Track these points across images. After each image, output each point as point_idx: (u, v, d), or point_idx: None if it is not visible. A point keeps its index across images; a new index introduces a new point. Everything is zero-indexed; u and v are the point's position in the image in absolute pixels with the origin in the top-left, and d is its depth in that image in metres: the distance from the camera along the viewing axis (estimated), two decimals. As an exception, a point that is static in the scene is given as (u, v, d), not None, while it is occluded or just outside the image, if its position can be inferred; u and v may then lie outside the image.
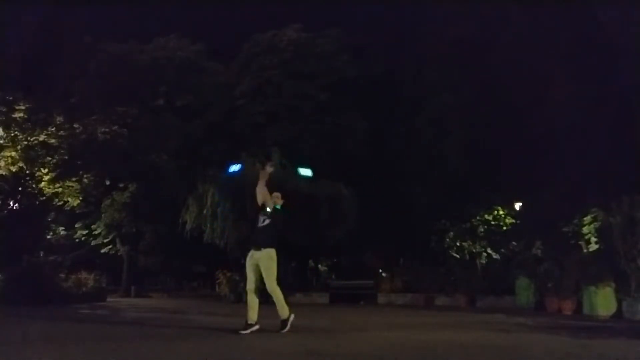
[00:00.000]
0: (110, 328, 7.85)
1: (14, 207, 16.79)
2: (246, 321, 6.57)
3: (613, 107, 16.89)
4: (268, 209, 6.80)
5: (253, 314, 6.61)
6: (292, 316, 6.69)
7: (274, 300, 6.67)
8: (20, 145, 15.95)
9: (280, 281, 6.70)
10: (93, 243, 23.90)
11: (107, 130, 18.32)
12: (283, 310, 6.65)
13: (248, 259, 6.79)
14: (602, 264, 11.21)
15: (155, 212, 22.23)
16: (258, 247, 6.68)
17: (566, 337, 6.78)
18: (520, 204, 18.49)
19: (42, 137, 16.23)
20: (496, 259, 17.44)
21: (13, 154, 15.84)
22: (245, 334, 6.39)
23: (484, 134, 19.30)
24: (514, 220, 17.56)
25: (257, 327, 6.54)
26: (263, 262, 6.63)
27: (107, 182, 21.08)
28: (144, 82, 22.89)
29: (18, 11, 17.92)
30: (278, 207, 6.95)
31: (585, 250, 12.91)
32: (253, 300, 6.64)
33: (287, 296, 6.92)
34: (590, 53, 17.05)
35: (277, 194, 7.00)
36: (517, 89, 18.17)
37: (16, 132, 15.84)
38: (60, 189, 17.61)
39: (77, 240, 24.02)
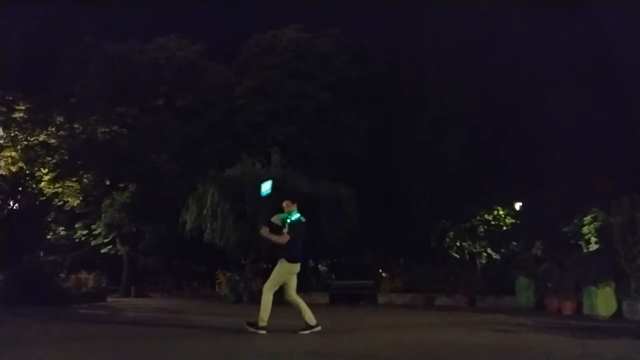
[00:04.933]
0: (110, 328, 7.85)
1: (14, 207, 16.75)
2: (307, 323, 6.75)
3: (613, 107, 16.91)
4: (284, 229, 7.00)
5: (307, 315, 6.80)
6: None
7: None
8: (20, 145, 15.93)
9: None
10: (93, 243, 23.84)
11: (107, 130, 18.31)
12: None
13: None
14: (602, 264, 11.19)
15: (155, 212, 22.19)
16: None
17: (566, 337, 6.77)
18: (520, 204, 18.49)
19: (42, 137, 16.22)
20: (496, 259, 17.42)
21: (13, 154, 15.82)
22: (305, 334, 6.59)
23: (484, 134, 19.33)
24: (514, 220, 17.54)
25: (318, 328, 6.71)
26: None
27: (107, 182, 21.05)
28: (144, 82, 22.86)
29: (18, 11, 17.92)
30: (291, 218, 7.00)
31: (585, 250, 12.91)
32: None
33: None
34: (590, 53, 17.08)
35: (286, 203, 7.16)
36: (517, 89, 18.19)
37: (16, 132, 15.82)
38: (60, 189, 17.60)
39: (77, 240, 23.95)
